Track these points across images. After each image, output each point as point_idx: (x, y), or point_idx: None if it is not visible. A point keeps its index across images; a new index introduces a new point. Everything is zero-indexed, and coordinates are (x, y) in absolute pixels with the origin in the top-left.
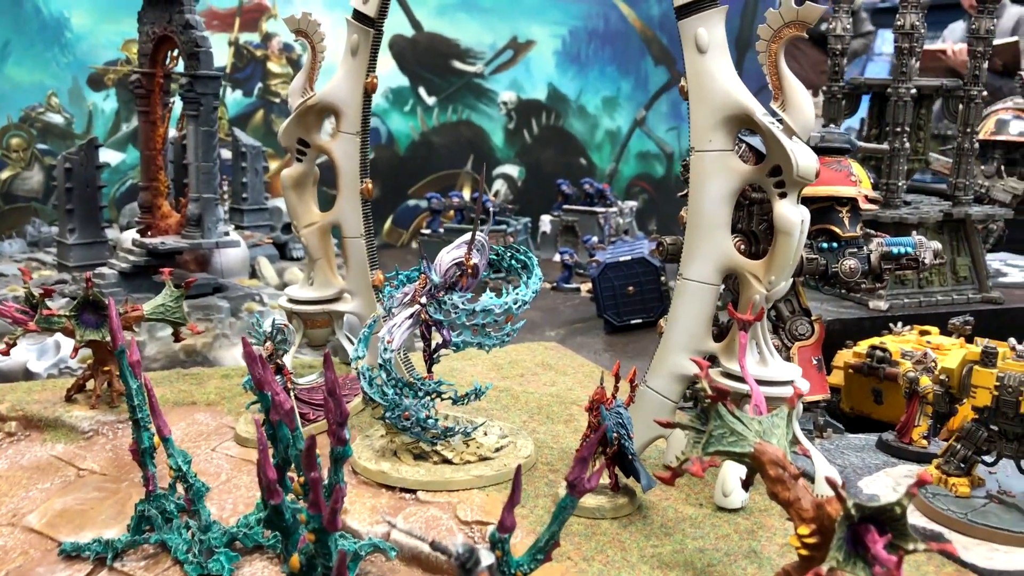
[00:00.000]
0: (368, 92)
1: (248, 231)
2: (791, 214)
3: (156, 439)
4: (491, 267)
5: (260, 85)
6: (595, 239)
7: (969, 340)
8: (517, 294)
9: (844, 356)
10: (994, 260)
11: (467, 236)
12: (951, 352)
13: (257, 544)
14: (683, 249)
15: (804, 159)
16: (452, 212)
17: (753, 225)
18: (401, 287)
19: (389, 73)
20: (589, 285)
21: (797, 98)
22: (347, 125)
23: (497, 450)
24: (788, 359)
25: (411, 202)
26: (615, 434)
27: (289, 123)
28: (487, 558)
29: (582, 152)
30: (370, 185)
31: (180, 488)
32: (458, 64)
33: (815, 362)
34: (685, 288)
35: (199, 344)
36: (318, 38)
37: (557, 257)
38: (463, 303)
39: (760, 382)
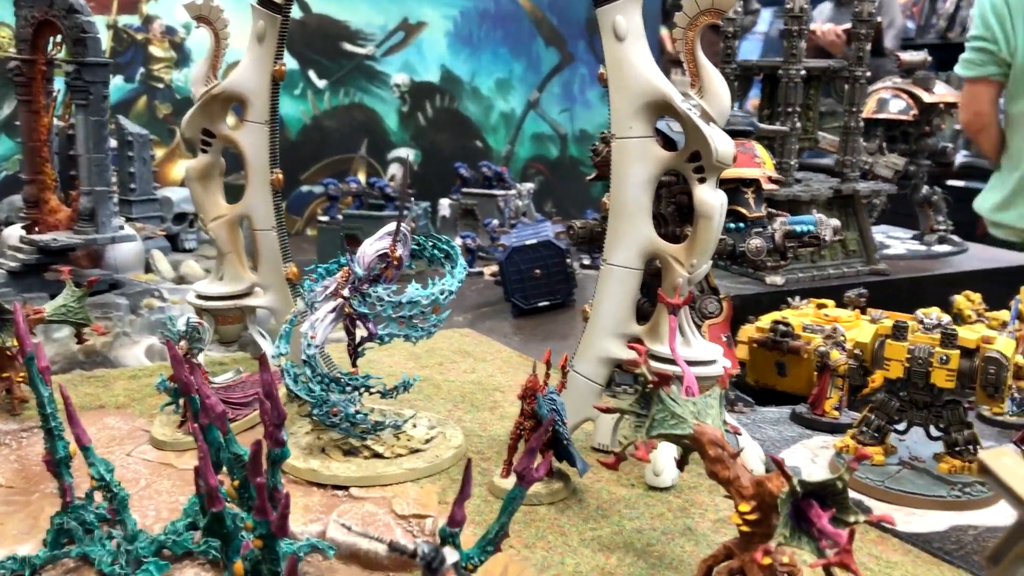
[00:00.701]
0: (276, 80)
1: (139, 223)
2: (711, 198)
3: (72, 447)
4: (413, 258)
5: (142, 70)
6: (496, 222)
7: (863, 311)
8: (443, 284)
9: (748, 331)
10: (877, 233)
11: (390, 227)
12: (861, 326)
13: (187, 551)
14: (606, 235)
15: (722, 144)
16: (350, 198)
17: (662, 207)
18: (321, 280)
19: None
20: (492, 269)
21: (714, 84)
22: (255, 114)
23: (427, 442)
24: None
25: (304, 188)
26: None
27: (193, 113)
28: (452, 556)
29: (477, 135)
30: (280, 175)
31: (99, 497)
32: (348, 46)
33: (725, 339)
34: (610, 273)
35: (99, 344)
36: (221, 24)
37: (459, 241)
38: (388, 295)
39: (688, 363)
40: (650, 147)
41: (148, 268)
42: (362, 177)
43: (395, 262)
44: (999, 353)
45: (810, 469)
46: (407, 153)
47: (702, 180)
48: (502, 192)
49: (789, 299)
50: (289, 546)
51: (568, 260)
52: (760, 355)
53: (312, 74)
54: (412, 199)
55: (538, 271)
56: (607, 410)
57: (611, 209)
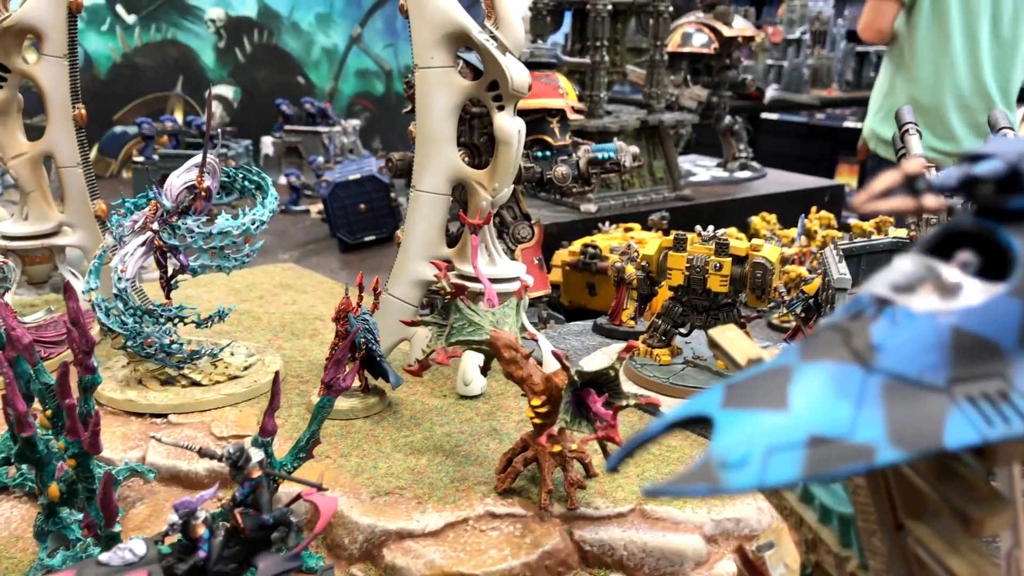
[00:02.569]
0: (73, 11)
1: None
2: (509, 125)
3: None
4: (224, 189)
5: None
6: (321, 159)
7: (667, 233)
8: (254, 214)
9: (561, 255)
10: (685, 162)
11: (197, 158)
12: (649, 241)
13: (2, 486)
14: (414, 163)
15: (518, 73)
16: (166, 137)
17: (475, 138)
18: (129, 215)
19: None
20: (319, 206)
21: (508, 16)
22: (52, 47)
23: (246, 368)
24: (513, 260)
25: (117, 129)
26: (363, 339)
27: None
28: (257, 455)
29: (299, 71)
30: (83, 111)
31: None
32: None
33: (537, 261)
34: (419, 199)
35: None
36: None
37: (283, 179)
38: (198, 227)
39: (491, 280)
40: (451, 76)
41: None
42: (179, 116)
43: (203, 193)
44: (765, 259)
45: (605, 363)
46: (225, 88)
47: (501, 108)
48: (326, 129)
49: (600, 224)
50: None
51: (392, 194)
52: (572, 277)
53: (120, 8)
54: (218, 134)
55: (363, 206)
56: (412, 323)
57: (417, 137)
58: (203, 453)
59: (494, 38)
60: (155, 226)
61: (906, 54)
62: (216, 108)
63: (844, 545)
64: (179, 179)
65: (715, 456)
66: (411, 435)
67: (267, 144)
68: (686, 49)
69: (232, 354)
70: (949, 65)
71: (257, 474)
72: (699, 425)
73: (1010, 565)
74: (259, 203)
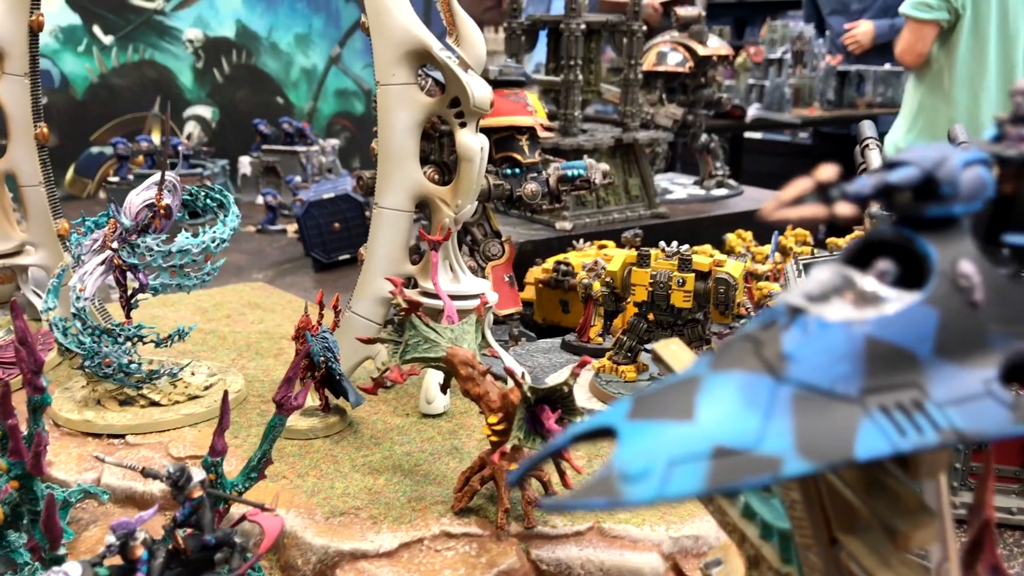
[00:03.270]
0: (35, 30)
1: None
2: (471, 142)
3: None
4: (186, 208)
5: None
6: (298, 179)
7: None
8: (214, 232)
9: (534, 273)
10: (663, 180)
11: (157, 176)
12: (615, 257)
13: None
14: (377, 180)
15: (479, 90)
16: (141, 157)
17: (444, 156)
18: (89, 234)
19: (57, 10)
20: (295, 226)
21: (469, 33)
22: (13, 66)
23: (206, 388)
24: (484, 278)
25: (94, 149)
26: (322, 358)
27: None
28: (198, 475)
29: (278, 91)
30: (45, 130)
31: None
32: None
33: (507, 279)
34: (381, 216)
35: None
36: None
37: (260, 199)
38: (158, 245)
39: (455, 297)
40: (413, 93)
41: None
42: (156, 136)
43: (162, 211)
44: (728, 275)
45: (559, 380)
46: (203, 109)
47: (463, 125)
48: (304, 148)
49: (574, 242)
50: (61, 493)
51: (367, 213)
52: (545, 294)
53: (97, 29)
54: (178, 153)
55: (337, 224)
56: (368, 341)
57: (379, 154)
58: (146, 473)
59: (456, 55)
60: (114, 245)
61: (944, 77)
62: (194, 128)
63: (784, 561)
64: (138, 197)
65: (616, 468)
66: (370, 454)
67: (245, 164)
68: (661, 68)
69: (192, 374)
70: (985, 89)
71: (198, 494)
72: (605, 437)
73: None
74: (220, 221)
